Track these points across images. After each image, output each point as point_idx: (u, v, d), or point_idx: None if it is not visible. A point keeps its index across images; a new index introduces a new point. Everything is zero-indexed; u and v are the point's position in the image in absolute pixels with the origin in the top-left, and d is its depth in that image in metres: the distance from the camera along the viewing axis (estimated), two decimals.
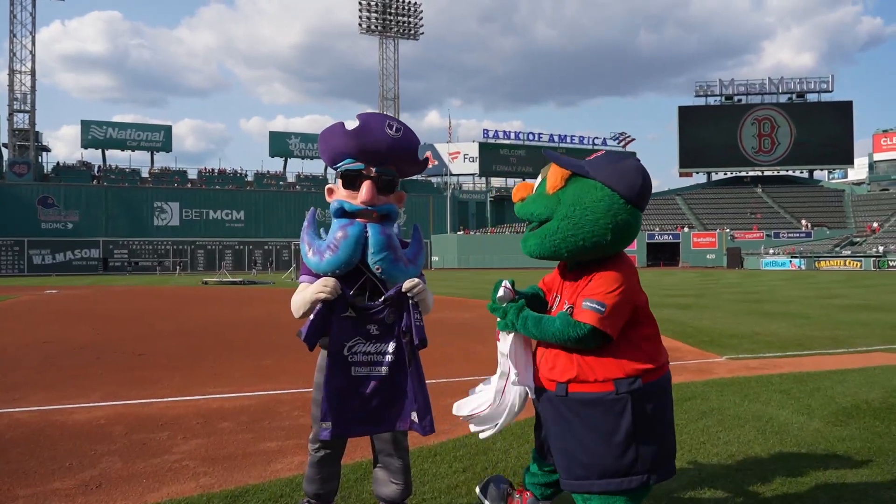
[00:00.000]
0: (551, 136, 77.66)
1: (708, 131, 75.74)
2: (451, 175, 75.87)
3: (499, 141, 76.24)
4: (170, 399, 6.04)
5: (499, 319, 2.67)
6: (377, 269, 2.78)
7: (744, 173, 78.43)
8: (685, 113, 78.09)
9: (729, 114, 76.89)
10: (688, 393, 6.00)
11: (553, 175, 2.64)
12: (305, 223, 2.91)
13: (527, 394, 2.74)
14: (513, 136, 77.16)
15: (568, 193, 2.58)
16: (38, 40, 61.35)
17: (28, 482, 3.77)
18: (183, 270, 56.45)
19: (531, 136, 77.15)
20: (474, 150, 75.93)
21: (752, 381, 6.51)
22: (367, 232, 2.75)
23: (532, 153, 75.70)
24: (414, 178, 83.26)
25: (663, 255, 62.15)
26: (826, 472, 3.81)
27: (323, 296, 2.63)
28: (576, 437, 2.56)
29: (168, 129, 67.92)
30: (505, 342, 2.69)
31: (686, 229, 64.51)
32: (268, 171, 70.70)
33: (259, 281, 35.61)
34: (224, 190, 64.86)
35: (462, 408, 2.84)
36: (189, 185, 65.94)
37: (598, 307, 2.45)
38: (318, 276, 2.75)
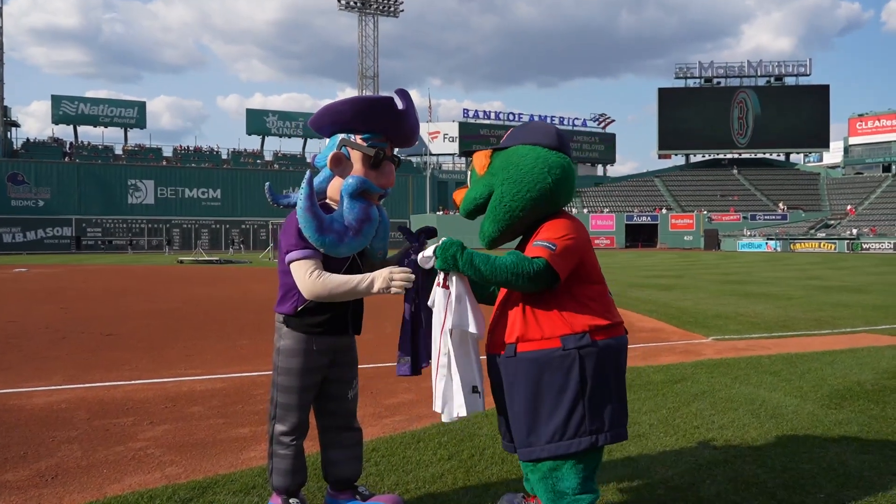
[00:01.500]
0: (531, 116, 77.21)
1: (687, 113, 75.74)
2: (431, 154, 75.34)
3: (479, 121, 75.72)
4: (137, 382, 5.74)
5: (436, 259, 2.49)
6: (380, 253, 2.89)
7: (721, 156, 78.76)
8: (665, 95, 77.96)
9: (708, 96, 76.93)
10: (677, 374, 5.84)
11: (477, 159, 2.71)
12: (306, 194, 2.50)
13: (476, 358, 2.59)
14: (493, 115, 76.68)
15: (496, 164, 2.64)
16: (5, 13, 59.53)
17: None
18: (154, 249, 55.45)
19: (511, 117, 76.70)
20: (454, 130, 75.34)
21: (741, 363, 6.37)
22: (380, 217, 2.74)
23: None
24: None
25: (641, 236, 62.49)
26: (826, 458, 3.64)
27: (400, 288, 2.53)
28: (524, 398, 2.47)
29: (142, 106, 66.27)
30: (442, 297, 2.52)
31: (664, 211, 64.83)
32: (244, 150, 69.56)
33: (235, 260, 35.08)
34: (200, 168, 63.64)
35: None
36: (164, 163, 64.45)
37: (550, 245, 2.43)
38: (322, 254, 2.59)
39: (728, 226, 59.84)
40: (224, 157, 68.16)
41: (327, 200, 2.72)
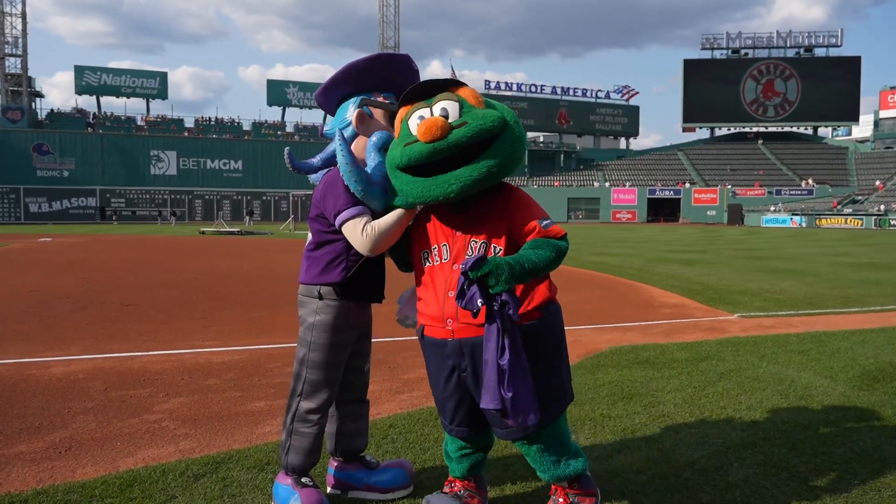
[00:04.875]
0: (554, 88, 76.22)
1: (713, 85, 74.17)
2: None
3: (501, 93, 74.80)
4: (154, 353, 5.71)
5: (491, 286, 2.14)
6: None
7: (747, 129, 77.16)
8: (690, 66, 76.37)
9: (735, 67, 75.20)
10: (701, 352, 5.69)
11: (468, 93, 2.42)
12: (346, 150, 2.41)
13: None
14: (515, 87, 75.71)
15: (497, 111, 2.42)
16: None
17: None
18: (179, 220, 55.91)
19: (534, 88, 75.71)
20: None
21: (767, 341, 6.19)
22: None
23: (535, 105, 74.49)
24: None
25: (664, 210, 61.83)
26: (860, 442, 3.49)
27: None
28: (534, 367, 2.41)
29: (164, 76, 66.25)
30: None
31: (687, 185, 63.94)
32: (265, 121, 69.50)
33: (257, 231, 35.23)
34: (222, 139, 63.77)
35: None
36: (186, 134, 64.63)
37: (552, 221, 2.41)
38: (367, 210, 2.51)
39: (752, 200, 58.88)
40: (245, 128, 68.21)
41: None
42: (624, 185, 64.42)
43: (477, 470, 2.74)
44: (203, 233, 33.67)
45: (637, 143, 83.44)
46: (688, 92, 75.85)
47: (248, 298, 9.23)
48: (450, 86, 2.42)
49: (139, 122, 65.06)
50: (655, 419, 3.88)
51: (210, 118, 68.43)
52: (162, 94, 65.78)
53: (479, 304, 2.13)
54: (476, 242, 2.42)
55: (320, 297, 2.63)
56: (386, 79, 2.69)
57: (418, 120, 2.34)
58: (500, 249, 2.39)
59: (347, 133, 2.62)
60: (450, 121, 2.30)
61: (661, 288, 10.40)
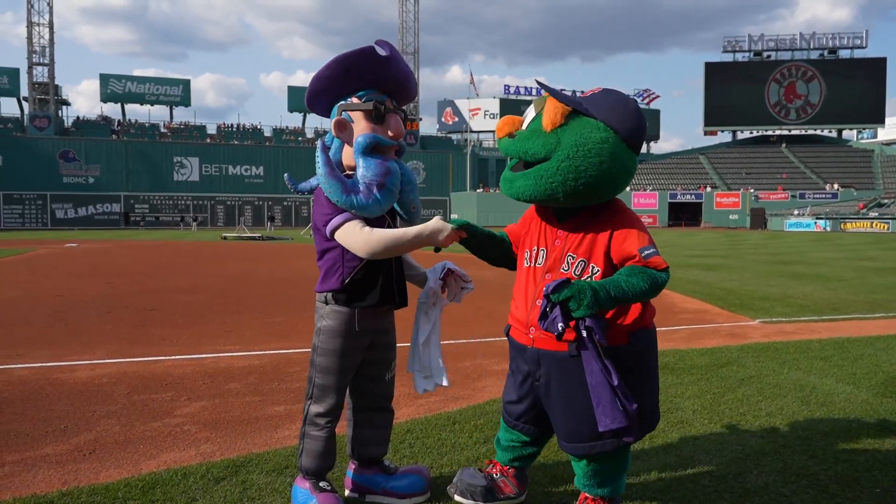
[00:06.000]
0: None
1: (735, 88, 73.45)
2: (472, 132, 74.92)
3: (520, 97, 74.85)
4: (177, 357, 5.79)
5: (573, 310, 2.14)
6: (412, 207, 2.72)
7: (770, 132, 76.24)
8: (712, 69, 75.68)
9: (757, 70, 74.40)
10: (722, 358, 5.64)
11: (552, 111, 2.35)
12: (324, 160, 2.51)
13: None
14: (534, 91, 75.61)
15: (568, 133, 2.32)
16: None
17: (18, 446, 3.51)
18: (200, 225, 56.49)
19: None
20: (495, 107, 74.73)
21: (789, 347, 6.13)
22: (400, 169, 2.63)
23: None
24: (433, 134, 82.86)
25: (685, 214, 61.24)
26: (882, 450, 3.45)
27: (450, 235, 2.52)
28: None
29: (186, 84, 67.17)
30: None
31: (709, 189, 63.29)
32: (286, 127, 70.19)
33: (278, 237, 35.50)
34: (243, 146, 64.65)
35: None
36: (208, 141, 65.55)
37: (657, 250, 2.35)
38: (357, 216, 2.52)
39: (776, 204, 57.99)
40: (267, 134, 68.91)
41: (347, 172, 2.65)
42: (645, 189, 63.93)
43: (521, 462, 2.82)
44: (225, 238, 34.01)
45: (657, 147, 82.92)
46: (709, 95, 75.20)
47: (269, 303, 9.31)
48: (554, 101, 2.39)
49: (162, 129, 66.01)
50: (674, 425, 3.86)
51: (232, 125, 69.31)
52: (185, 101, 66.70)
53: (561, 328, 2.13)
54: (573, 258, 2.44)
55: (327, 303, 2.67)
56: (355, 76, 2.58)
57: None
58: (598, 271, 2.39)
59: (334, 142, 2.66)
60: (522, 126, 2.50)
61: (681, 293, 10.32)
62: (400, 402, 4.38)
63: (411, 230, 2.50)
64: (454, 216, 67.68)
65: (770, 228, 52.95)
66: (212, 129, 68.10)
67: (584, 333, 2.18)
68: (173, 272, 14.32)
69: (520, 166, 2.49)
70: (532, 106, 2.51)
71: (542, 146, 2.35)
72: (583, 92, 2.53)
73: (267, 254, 20.79)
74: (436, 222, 2.47)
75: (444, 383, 2.88)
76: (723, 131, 77.68)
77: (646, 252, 2.32)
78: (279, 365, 5.52)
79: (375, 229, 2.49)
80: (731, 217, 59.27)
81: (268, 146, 65.97)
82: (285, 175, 2.84)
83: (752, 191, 60.62)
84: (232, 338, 6.69)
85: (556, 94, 2.39)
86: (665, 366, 5.38)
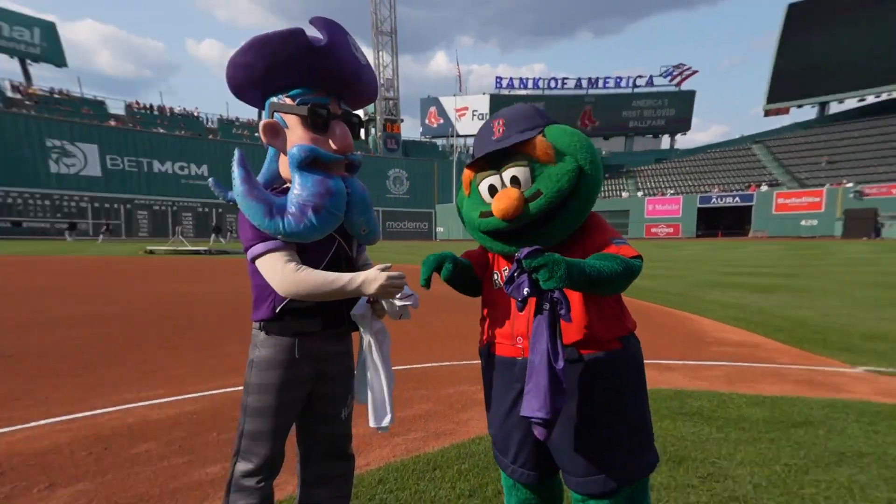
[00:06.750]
0: (579, 80, 76.82)
1: (832, 38, 64.39)
2: (458, 136, 75.60)
3: (514, 92, 75.61)
4: (33, 424, 4.96)
5: (542, 280, 2.25)
6: (362, 230, 2.68)
7: (886, 95, 66.55)
8: (797, 13, 67.32)
9: (867, 8, 64.21)
10: (793, 414, 5.13)
11: (540, 146, 2.48)
12: (241, 177, 2.43)
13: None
14: (531, 84, 76.34)
15: (562, 144, 2.50)
16: None
17: None
18: (111, 236, 54.31)
19: (553, 84, 76.39)
20: (484, 105, 75.49)
21: None
22: (347, 188, 2.57)
23: (554, 105, 74.93)
24: (416, 139, 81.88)
25: (722, 222, 60.75)
26: None
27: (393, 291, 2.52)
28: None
29: (49, 28, 60.60)
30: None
31: (764, 188, 61.19)
32: (236, 119, 69.41)
33: (231, 250, 35.25)
34: (175, 137, 62.99)
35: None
36: (113, 123, 60.92)
37: (626, 242, 2.51)
38: (286, 243, 2.49)
39: (892, 203, 51.17)
40: (211, 126, 67.76)
41: (286, 184, 2.58)
42: (663, 194, 64.00)
43: None
44: (152, 252, 33.63)
45: (686, 141, 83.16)
46: (787, 51, 68.24)
47: (217, 330, 9.07)
48: (517, 146, 2.48)
49: (10, 93, 58.03)
50: (724, 502, 3.63)
51: (150, 105, 66.33)
52: (52, 55, 60.89)
53: (525, 294, 2.26)
54: (506, 270, 2.64)
55: (263, 331, 2.59)
56: (281, 69, 2.42)
57: (488, 187, 2.54)
58: None
59: (269, 148, 2.58)
60: (522, 189, 2.47)
61: (714, 319, 10.17)
62: (373, 442, 4.33)
63: (342, 277, 2.48)
64: (439, 229, 67.51)
65: (885, 237, 47.82)
66: (117, 108, 63.81)
67: (547, 306, 2.30)
68: (61, 299, 12.93)
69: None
70: (488, 181, 2.55)
71: (566, 174, 2.45)
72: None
73: (216, 271, 20.48)
74: (371, 272, 2.49)
75: (384, 424, 2.70)
76: (800, 105, 71.52)
77: (617, 241, 2.50)
78: (221, 408, 5.30)
79: (302, 268, 2.47)
80: (803, 223, 55.91)
81: (212, 140, 64.88)
82: (210, 180, 2.71)
83: (849, 185, 54.76)
84: (156, 380, 6.37)
85: (507, 141, 2.48)
86: (698, 412, 5.18)
